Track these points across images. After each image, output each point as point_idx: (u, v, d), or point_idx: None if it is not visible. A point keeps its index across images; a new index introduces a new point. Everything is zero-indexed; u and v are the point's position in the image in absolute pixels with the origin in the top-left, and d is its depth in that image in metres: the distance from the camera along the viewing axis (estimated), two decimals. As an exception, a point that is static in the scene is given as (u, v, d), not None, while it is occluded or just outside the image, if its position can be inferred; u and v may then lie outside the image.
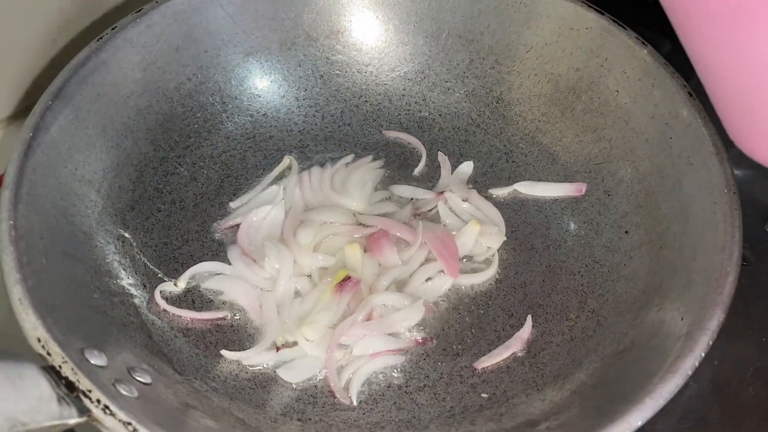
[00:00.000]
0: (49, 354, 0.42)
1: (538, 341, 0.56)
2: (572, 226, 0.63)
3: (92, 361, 0.45)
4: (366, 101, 0.70)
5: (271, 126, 0.70)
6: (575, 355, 0.54)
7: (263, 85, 0.70)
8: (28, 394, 0.38)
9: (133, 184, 0.61)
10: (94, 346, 0.46)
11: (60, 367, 0.42)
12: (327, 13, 0.68)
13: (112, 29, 0.59)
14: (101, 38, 0.59)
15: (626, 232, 0.60)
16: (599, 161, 0.64)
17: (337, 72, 0.70)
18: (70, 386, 0.41)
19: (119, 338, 0.51)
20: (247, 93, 0.70)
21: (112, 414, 0.41)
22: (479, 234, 0.61)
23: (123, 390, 0.44)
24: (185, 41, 0.64)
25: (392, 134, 0.70)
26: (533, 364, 0.55)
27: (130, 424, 0.40)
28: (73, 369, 0.42)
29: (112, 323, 0.52)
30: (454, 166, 0.68)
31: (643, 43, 0.59)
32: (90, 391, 0.41)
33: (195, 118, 0.67)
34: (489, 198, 0.65)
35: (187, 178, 0.65)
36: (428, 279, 0.60)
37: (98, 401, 0.41)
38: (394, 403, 0.54)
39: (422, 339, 0.57)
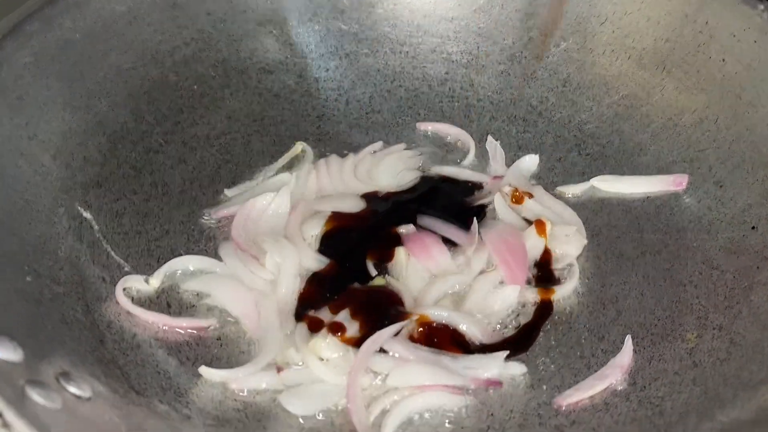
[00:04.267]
0: None
1: (646, 369, 0.41)
2: (674, 227, 0.49)
3: (-4, 352, 0.29)
4: (400, 86, 0.60)
5: (283, 109, 0.57)
6: (707, 385, 0.39)
7: (277, 61, 0.59)
8: None
9: (102, 156, 0.50)
10: (7, 333, 0.31)
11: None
12: (357, -22, 0.59)
13: (94, -35, 0.51)
14: (78, -26, 0.50)
15: (753, 227, 0.46)
16: (703, 147, 0.51)
17: (366, 51, 0.60)
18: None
19: (54, 336, 0.36)
20: (256, 68, 0.58)
21: (5, 426, 0.25)
22: (551, 236, 0.47)
23: (37, 396, 0.28)
24: (185, -4, 0.55)
25: (430, 126, 0.56)
26: (643, 399, 0.40)
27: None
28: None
29: (46, 316, 0.37)
30: (511, 160, 0.53)
31: (756, -3, 0.48)
32: (-24, 388, 0.25)
33: (190, 91, 0.56)
34: (559, 197, 0.51)
35: (174, 159, 0.53)
36: (489, 292, 0.45)
37: (-13, 403, 0.25)
38: (446, 450, 0.37)
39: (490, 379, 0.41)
